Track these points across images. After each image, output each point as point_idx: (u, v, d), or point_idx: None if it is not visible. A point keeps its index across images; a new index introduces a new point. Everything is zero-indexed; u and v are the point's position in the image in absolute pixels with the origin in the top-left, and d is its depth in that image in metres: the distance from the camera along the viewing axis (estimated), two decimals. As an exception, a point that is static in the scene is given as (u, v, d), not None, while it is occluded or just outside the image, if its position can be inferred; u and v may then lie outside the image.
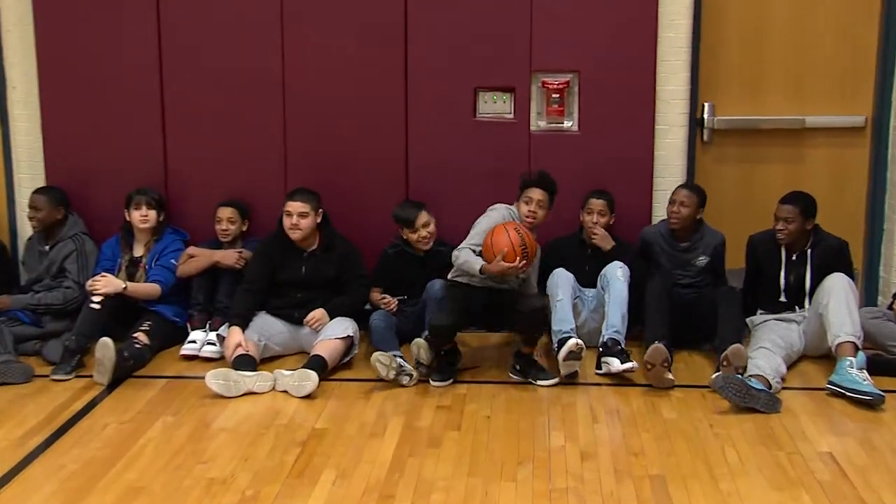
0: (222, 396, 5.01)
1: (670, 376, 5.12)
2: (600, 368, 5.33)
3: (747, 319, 5.69)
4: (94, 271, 5.80)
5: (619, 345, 5.29)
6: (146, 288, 5.75)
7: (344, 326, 5.45)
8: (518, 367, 5.31)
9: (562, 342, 5.20)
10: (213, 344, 5.61)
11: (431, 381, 5.20)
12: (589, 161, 5.88)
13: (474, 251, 5.21)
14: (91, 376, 5.26)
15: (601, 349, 5.34)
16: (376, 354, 5.19)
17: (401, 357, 5.28)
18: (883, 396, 4.86)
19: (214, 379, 5.04)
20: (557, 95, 5.99)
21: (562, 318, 5.34)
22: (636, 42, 5.94)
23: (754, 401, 4.77)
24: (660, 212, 5.99)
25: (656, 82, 5.97)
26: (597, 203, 5.78)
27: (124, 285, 5.60)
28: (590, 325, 5.68)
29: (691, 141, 6.13)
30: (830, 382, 5.01)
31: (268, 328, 5.57)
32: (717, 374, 5.07)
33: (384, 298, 5.75)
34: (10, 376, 5.23)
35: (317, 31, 6.02)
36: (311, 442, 4.52)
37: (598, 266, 5.67)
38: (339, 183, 6.07)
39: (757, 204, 6.09)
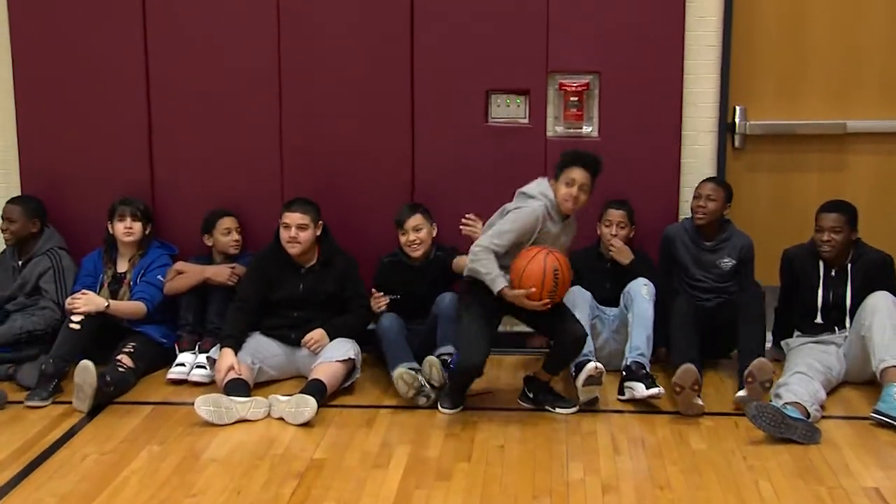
0: (213, 424, 4.99)
1: (700, 402, 5.10)
2: (623, 394, 5.31)
3: (782, 342, 5.68)
4: (73, 288, 5.79)
5: (644, 368, 5.27)
6: (130, 306, 5.74)
7: (345, 348, 5.44)
8: (531, 395, 5.28)
9: (580, 366, 5.17)
10: (203, 367, 5.59)
11: (441, 408, 5.18)
12: (609, 169, 5.83)
13: (497, 254, 5.02)
14: (70, 402, 5.24)
15: (624, 373, 5.33)
16: (401, 372, 5.20)
17: (420, 373, 5.27)
18: (934, 426, 4.85)
19: (204, 405, 5.02)
20: (576, 98, 5.99)
21: None
22: (662, 40, 5.93)
23: (791, 431, 4.74)
24: (687, 224, 5.99)
25: (683, 84, 5.97)
26: (616, 214, 5.77)
27: (106, 303, 5.58)
28: (611, 347, 5.67)
29: (721, 147, 6.12)
30: (875, 411, 4.97)
31: (262, 350, 5.56)
32: (742, 394, 5.11)
33: (374, 294, 5.74)
34: (-19, 402, 5.23)
35: (315, 27, 6.03)
36: (309, 473, 4.50)
37: (618, 282, 5.69)
38: (340, 193, 6.08)
39: (793, 216, 6.10)
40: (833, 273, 5.55)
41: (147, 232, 5.95)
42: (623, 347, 5.48)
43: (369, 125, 6.09)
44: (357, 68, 6.05)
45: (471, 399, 5.30)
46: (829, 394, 5.23)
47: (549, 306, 5.00)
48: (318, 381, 5.21)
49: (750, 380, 5.08)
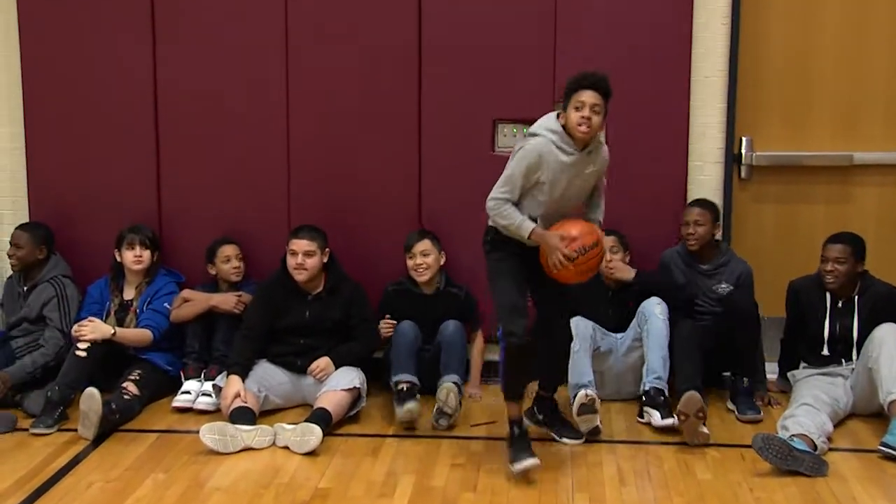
0: (218, 452, 4.99)
1: (705, 430, 5.09)
2: (642, 417, 5.41)
3: (788, 374, 5.68)
4: (79, 315, 5.80)
5: (663, 394, 5.35)
6: (137, 334, 5.75)
7: (350, 377, 5.44)
8: (542, 417, 5.26)
9: (575, 396, 5.23)
10: (209, 395, 5.60)
11: (513, 453, 4.81)
12: (612, 200, 5.85)
13: (511, 201, 4.72)
14: (75, 430, 5.24)
15: (643, 397, 5.41)
16: (451, 386, 5.29)
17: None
18: (942, 460, 4.83)
19: (209, 433, 5.02)
20: (581, 129, 5.99)
21: (579, 371, 5.35)
22: (667, 71, 5.95)
23: (798, 463, 4.73)
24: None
25: (690, 115, 5.99)
26: (606, 239, 5.75)
27: (113, 331, 5.59)
28: (619, 369, 5.71)
29: (727, 178, 6.13)
30: (883, 444, 4.95)
31: (268, 378, 5.56)
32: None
33: (385, 320, 5.78)
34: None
35: (323, 56, 6.06)
36: (314, 503, 4.49)
37: (620, 308, 5.77)
38: (347, 220, 6.09)
39: (799, 247, 6.10)
40: (840, 305, 5.54)
41: (155, 259, 5.98)
42: (635, 370, 5.59)
43: (377, 153, 6.11)
44: (365, 97, 6.07)
45: (475, 429, 5.31)
46: (836, 426, 5.21)
47: (571, 267, 4.67)
48: (323, 409, 5.21)
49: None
